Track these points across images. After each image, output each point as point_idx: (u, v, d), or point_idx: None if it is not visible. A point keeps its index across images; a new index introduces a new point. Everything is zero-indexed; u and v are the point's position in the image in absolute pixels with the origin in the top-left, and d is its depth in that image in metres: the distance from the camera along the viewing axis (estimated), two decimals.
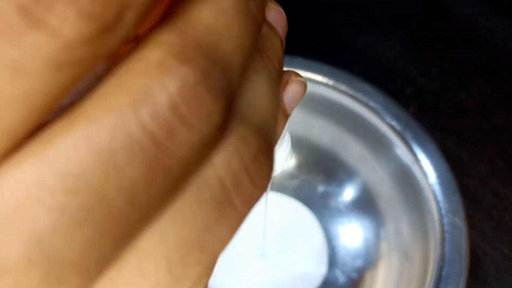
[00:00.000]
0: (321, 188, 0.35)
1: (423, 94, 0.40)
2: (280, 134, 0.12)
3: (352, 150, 0.34)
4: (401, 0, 0.46)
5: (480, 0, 0.45)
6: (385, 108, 0.32)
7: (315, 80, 0.33)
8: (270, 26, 0.11)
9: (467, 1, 0.45)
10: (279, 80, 0.10)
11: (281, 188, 0.35)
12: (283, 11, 0.12)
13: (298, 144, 0.36)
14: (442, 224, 0.28)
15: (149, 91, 0.07)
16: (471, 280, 0.27)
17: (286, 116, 0.12)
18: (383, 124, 0.32)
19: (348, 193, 0.35)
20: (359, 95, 0.32)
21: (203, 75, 0.07)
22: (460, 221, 0.28)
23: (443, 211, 0.28)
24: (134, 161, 0.07)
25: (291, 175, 0.36)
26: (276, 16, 0.11)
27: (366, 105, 0.32)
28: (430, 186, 0.29)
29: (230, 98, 0.08)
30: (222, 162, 0.08)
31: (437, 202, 0.28)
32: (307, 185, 0.35)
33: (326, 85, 0.33)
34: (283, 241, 0.33)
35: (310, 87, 0.33)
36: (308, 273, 0.32)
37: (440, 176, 0.29)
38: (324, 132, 0.35)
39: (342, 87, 0.33)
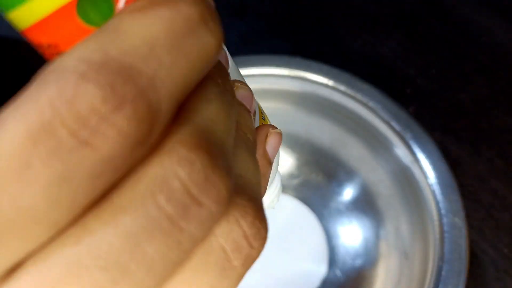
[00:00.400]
0: (321, 188, 0.35)
1: (423, 94, 0.40)
2: (267, 181, 0.14)
3: (352, 150, 0.34)
4: (400, 0, 0.46)
5: (480, 0, 0.45)
6: (385, 108, 0.32)
7: (315, 80, 0.33)
8: (240, 104, 0.13)
9: (466, 1, 0.45)
10: (255, 148, 0.12)
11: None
12: (248, 87, 0.14)
13: (298, 144, 0.36)
14: (441, 224, 0.28)
15: (165, 179, 0.08)
16: (470, 280, 0.27)
17: (270, 164, 0.14)
18: (383, 124, 0.32)
19: (348, 192, 0.35)
20: (358, 95, 0.32)
21: (213, 162, 0.09)
22: (460, 221, 0.28)
23: (442, 211, 0.28)
24: (153, 238, 0.08)
25: (291, 175, 0.36)
26: (243, 94, 0.14)
27: (365, 105, 0.32)
28: (429, 186, 0.29)
29: (231, 174, 0.09)
30: (223, 232, 0.10)
31: (437, 202, 0.28)
32: (307, 184, 0.36)
33: (326, 85, 0.33)
34: (283, 240, 0.33)
35: (310, 88, 0.33)
36: (308, 273, 0.32)
37: (439, 176, 0.29)
38: (324, 132, 0.35)
39: (342, 87, 0.33)
